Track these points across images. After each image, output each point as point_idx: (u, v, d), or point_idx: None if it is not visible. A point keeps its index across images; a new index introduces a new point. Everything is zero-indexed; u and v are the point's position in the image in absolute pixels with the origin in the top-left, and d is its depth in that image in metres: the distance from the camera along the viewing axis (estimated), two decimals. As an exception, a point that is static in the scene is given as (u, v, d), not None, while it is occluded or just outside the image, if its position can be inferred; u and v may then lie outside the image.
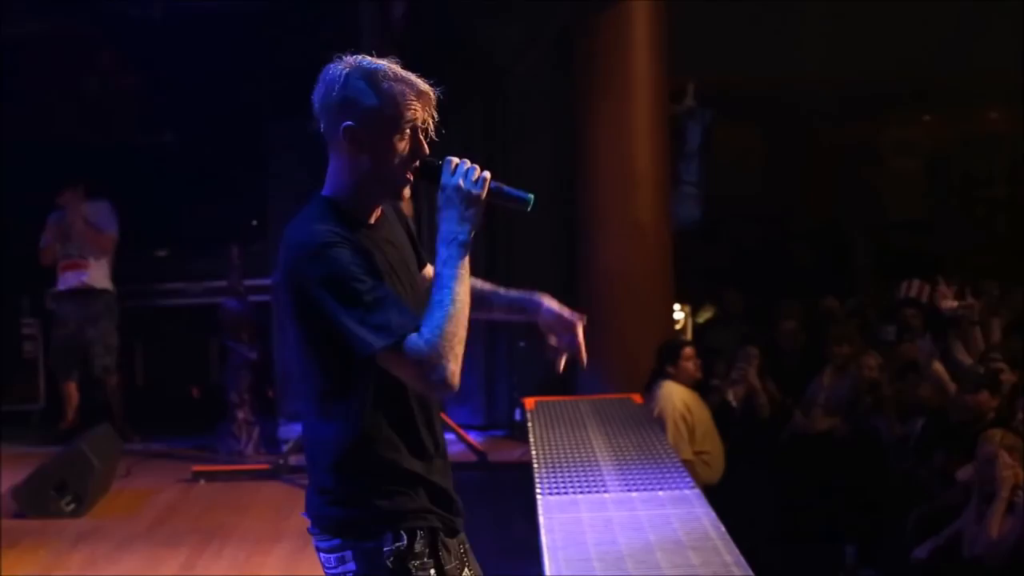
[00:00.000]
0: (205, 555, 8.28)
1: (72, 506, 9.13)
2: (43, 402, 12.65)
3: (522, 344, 11.35)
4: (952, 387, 8.36)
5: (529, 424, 8.07)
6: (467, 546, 3.97)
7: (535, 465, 6.89)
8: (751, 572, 4.82)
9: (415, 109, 3.61)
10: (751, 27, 13.09)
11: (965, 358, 8.85)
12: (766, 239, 15.59)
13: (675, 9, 11.01)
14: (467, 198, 3.59)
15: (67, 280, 11.74)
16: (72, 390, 11.81)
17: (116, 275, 11.82)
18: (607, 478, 6.54)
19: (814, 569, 8.13)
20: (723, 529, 5.43)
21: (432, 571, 3.70)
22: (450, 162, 3.62)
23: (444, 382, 3.45)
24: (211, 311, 11.82)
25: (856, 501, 8.29)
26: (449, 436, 10.61)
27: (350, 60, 3.62)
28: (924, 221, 16.34)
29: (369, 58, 3.63)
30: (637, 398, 9.00)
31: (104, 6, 11.80)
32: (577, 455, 7.10)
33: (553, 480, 6.50)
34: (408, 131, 3.61)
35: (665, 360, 9.41)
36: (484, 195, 3.62)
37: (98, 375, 11.75)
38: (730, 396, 9.82)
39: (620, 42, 10.75)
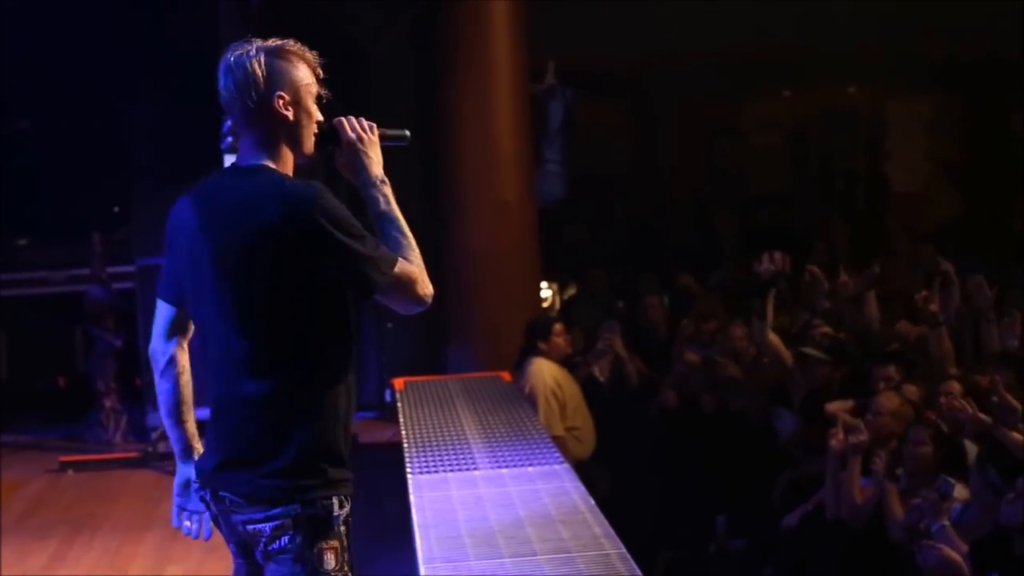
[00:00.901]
0: (76, 545, 8.23)
1: (-65, 501, 9.03)
2: None
3: (390, 325, 11.34)
4: (788, 356, 8.48)
5: (399, 404, 8.10)
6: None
7: (405, 445, 6.93)
8: (621, 545, 4.88)
9: (316, 79, 4.00)
10: (613, 4, 13.14)
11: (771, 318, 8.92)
12: (632, 216, 15.68)
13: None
14: (369, 144, 4.04)
15: None
16: None
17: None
18: (477, 456, 6.59)
19: (686, 540, 8.23)
20: (592, 503, 5.50)
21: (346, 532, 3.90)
22: (343, 121, 4.04)
23: (430, 295, 3.91)
24: (75, 299, 11.68)
25: (724, 472, 8.38)
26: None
27: (255, 43, 3.89)
28: (786, 195, 16.53)
29: (265, 40, 3.92)
30: (506, 376, 9.06)
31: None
32: (447, 434, 7.14)
33: (423, 459, 6.54)
34: (313, 98, 3.99)
35: (536, 336, 9.44)
36: (378, 137, 4.08)
37: None
38: (596, 371, 9.86)
39: (479, 21, 10.76)
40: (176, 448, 4.15)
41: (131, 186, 11.06)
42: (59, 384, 12.48)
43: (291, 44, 3.92)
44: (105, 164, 11.82)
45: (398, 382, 8.84)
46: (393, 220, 3.95)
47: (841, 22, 13.59)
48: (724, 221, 16.42)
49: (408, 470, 6.37)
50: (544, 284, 11.26)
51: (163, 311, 4.11)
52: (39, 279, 12.38)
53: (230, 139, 9.56)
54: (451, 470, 6.32)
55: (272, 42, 3.90)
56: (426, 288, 3.88)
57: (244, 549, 3.93)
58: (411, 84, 11.35)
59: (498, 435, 7.06)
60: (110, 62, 11.49)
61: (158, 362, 4.10)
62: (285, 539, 3.76)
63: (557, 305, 11.78)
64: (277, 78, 3.87)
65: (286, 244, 3.70)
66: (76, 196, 12.40)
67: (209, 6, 10.31)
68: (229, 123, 9.04)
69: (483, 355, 10.42)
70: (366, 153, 4.03)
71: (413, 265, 3.86)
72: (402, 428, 7.38)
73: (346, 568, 3.84)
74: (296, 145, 3.96)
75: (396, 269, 3.81)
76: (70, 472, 10.06)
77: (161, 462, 9.98)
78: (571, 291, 10.80)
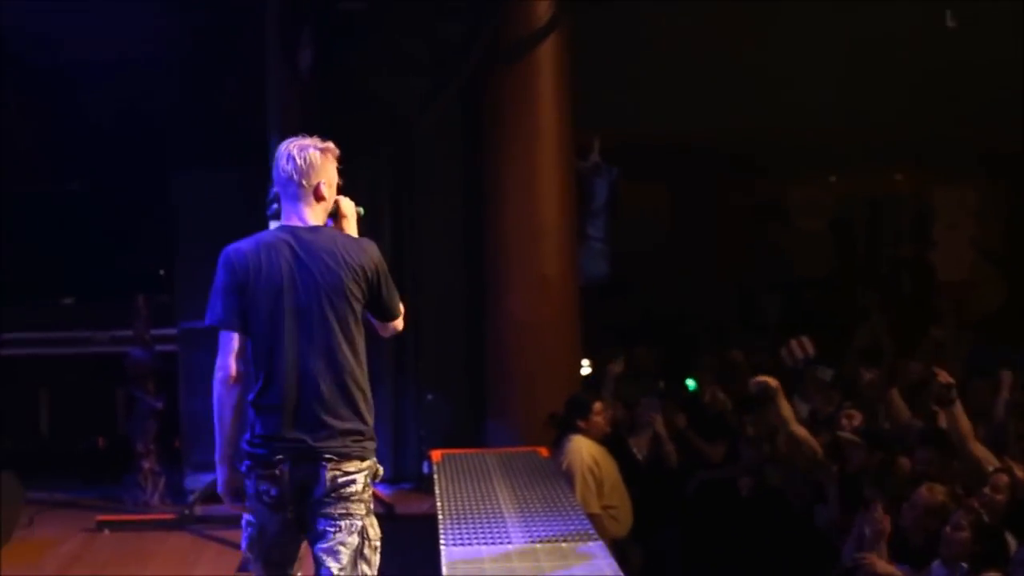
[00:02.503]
0: (109, 605, 8.23)
1: (-28, 556, 9.04)
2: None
3: (429, 397, 11.35)
4: (815, 445, 8.43)
5: (435, 476, 8.10)
6: None
7: (440, 516, 6.94)
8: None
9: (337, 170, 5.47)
10: (656, 84, 13.17)
11: (802, 409, 8.90)
12: (673, 295, 15.64)
13: (580, 64, 11.12)
14: (353, 216, 5.53)
15: None
16: None
17: (21, 322, 11.72)
18: (511, 530, 6.60)
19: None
20: (626, 581, 5.48)
21: None
22: (339, 200, 5.50)
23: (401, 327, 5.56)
24: (117, 360, 11.72)
25: (766, 556, 8.31)
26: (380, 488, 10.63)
27: (309, 141, 5.39)
28: (830, 280, 16.49)
29: (312, 137, 5.42)
30: (543, 451, 9.06)
31: (9, 50, 11.71)
32: (482, 507, 7.15)
33: (458, 531, 6.55)
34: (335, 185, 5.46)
35: (575, 414, 9.45)
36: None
37: None
38: (634, 449, 9.86)
39: (525, 95, 10.86)
40: (230, 451, 5.27)
41: (176, 250, 11.12)
42: (99, 444, 12.48)
43: (331, 145, 5.40)
44: (152, 227, 11.90)
45: (435, 454, 8.84)
46: None
47: (889, 109, 13.59)
48: (767, 302, 16.38)
49: (442, 542, 6.37)
50: (585, 361, 11.23)
51: (233, 338, 5.24)
52: (83, 339, 12.42)
53: (275, 206, 9.60)
54: (485, 543, 6.33)
55: (320, 142, 5.37)
56: (401, 322, 5.53)
57: (298, 496, 5.17)
58: (456, 155, 11.42)
59: (533, 510, 7.07)
60: (160, 127, 11.60)
61: (229, 377, 5.22)
62: (361, 484, 5.21)
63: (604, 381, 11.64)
64: (321, 170, 5.34)
65: (365, 278, 5.26)
66: (122, 257, 12.47)
67: (257, 72, 10.39)
68: (274, 190, 9.15)
69: (521, 429, 10.42)
70: (350, 222, 5.51)
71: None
72: (437, 500, 7.39)
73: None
74: (324, 215, 5.40)
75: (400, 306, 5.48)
76: (106, 532, 10.06)
77: (197, 525, 9.99)
78: (618, 368, 10.76)
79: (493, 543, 6.34)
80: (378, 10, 11.22)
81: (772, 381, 8.66)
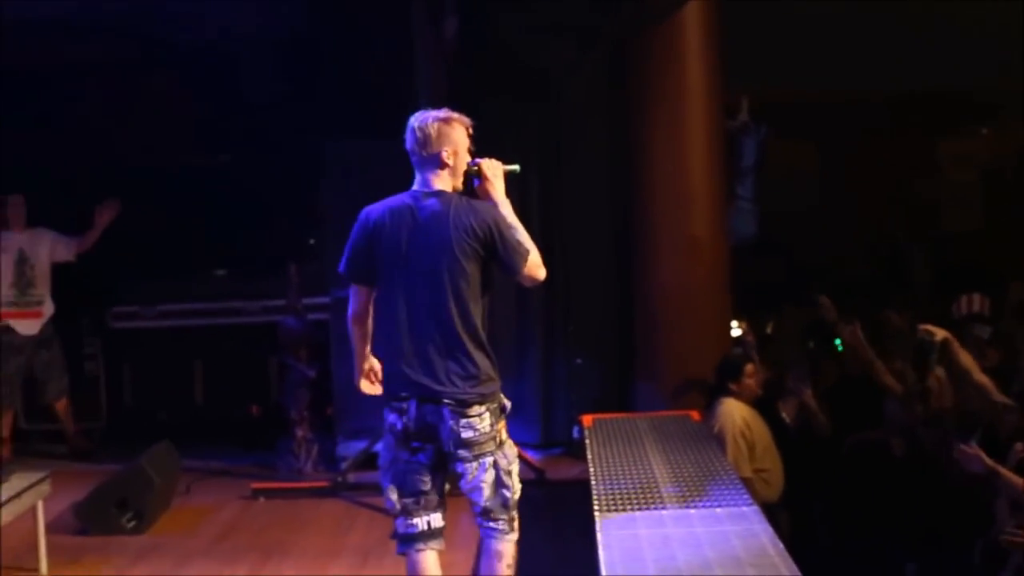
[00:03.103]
0: (265, 572, 8.33)
1: (133, 523, 9.20)
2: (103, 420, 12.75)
3: (579, 361, 11.33)
4: (999, 396, 8.20)
5: (587, 441, 8.11)
6: None
7: (592, 482, 6.94)
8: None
9: (465, 138, 6.04)
10: (804, 41, 13.01)
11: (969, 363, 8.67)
12: (822, 254, 15.48)
13: (728, 23, 11.00)
14: (495, 177, 6.08)
15: (22, 327, 11.65)
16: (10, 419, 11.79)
17: (179, 294, 11.91)
18: (665, 495, 6.59)
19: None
20: (782, 547, 5.45)
21: None
22: (479, 162, 6.08)
23: (543, 276, 6.05)
24: (270, 330, 11.86)
25: (918, 520, 8.20)
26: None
27: (429, 113, 6.01)
28: (981, 233, 16.21)
29: (441, 110, 6.06)
30: (695, 415, 9.03)
31: (156, 31, 11.87)
32: (635, 472, 7.14)
33: (611, 497, 6.55)
34: (465, 149, 6.05)
35: (727, 377, 9.42)
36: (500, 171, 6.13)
37: (51, 399, 11.83)
38: (783, 414, 9.78)
39: (674, 55, 10.71)
40: (361, 363, 6.29)
41: (326, 220, 11.19)
42: (253, 412, 12.64)
43: (452, 114, 6.00)
44: (301, 197, 11.99)
45: (586, 419, 8.85)
46: (512, 226, 5.98)
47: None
48: (916, 257, 16.15)
49: (595, 507, 6.38)
50: (734, 323, 11.14)
51: (355, 288, 6.18)
52: (236, 309, 12.59)
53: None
54: (638, 508, 6.32)
55: (443, 112, 6.00)
56: (540, 271, 6.02)
57: (425, 435, 5.91)
58: (604, 118, 11.35)
59: (686, 475, 7.04)
60: (309, 99, 11.68)
61: (351, 317, 6.21)
62: (487, 423, 5.88)
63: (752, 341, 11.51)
64: (441, 139, 5.93)
65: (476, 237, 5.83)
66: (272, 228, 12.62)
67: (404, 45, 10.41)
68: None
69: (671, 393, 10.37)
70: (495, 183, 6.07)
71: (532, 256, 5.96)
72: (589, 465, 7.39)
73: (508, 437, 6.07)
74: (453, 179, 6.00)
75: (530, 257, 5.94)
76: (261, 499, 10.19)
77: (350, 492, 10.08)
78: (768, 329, 10.64)
79: (647, 508, 6.33)
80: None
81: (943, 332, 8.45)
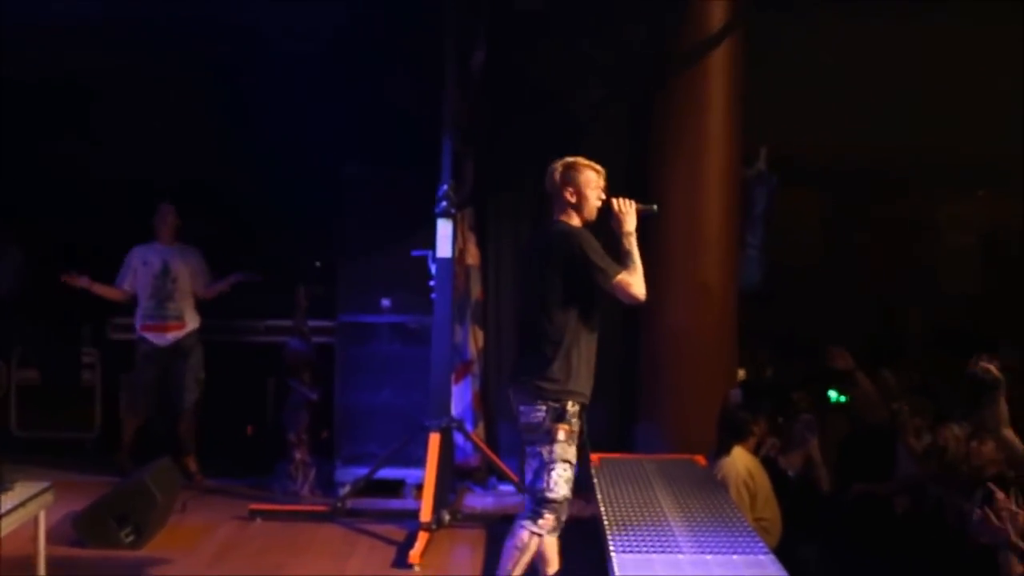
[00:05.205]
0: (268, 594, 8.33)
1: (132, 538, 9.16)
2: (98, 431, 12.71)
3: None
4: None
5: (595, 480, 8.12)
6: (585, 428, 6.97)
7: (605, 522, 6.97)
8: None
9: (593, 180, 7.19)
10: (816, 96, 13.06)
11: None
12: (818, 309, 15.51)
13: (750, 76, 11.05)
14: (626, 214, 7.11)
15: (159, 338, 11.68)
16: (135, 426, 11.80)
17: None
18: (680, 539, 6.60)
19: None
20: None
21: (576, 425, 6.84)
22: (614, 200, 7.11)
23: (642, 295, 6.97)
24: (270, 350, 11.85)
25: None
26: (510, 488, 10.65)
27: (559, 162, 7.16)
28: (977, 296, 16.28)
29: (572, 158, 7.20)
30: (700, 459, 9.03)
31: (179, 46, 11.86)
32: (647, 514, 7.16)
33: (625, 538, 6.56)
34: (592, 187, 7.16)
35: (732, 436, 9.41)
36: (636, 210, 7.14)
37: (186, 408, 11.76)
38: (784, 465, 9.77)
39: (696, 104, 10.78)
40: None
41: (340, 245, 11.18)
42: (246, 432, 12.61)
43: (572, 162, 7.16)
44: (311, 220, 11.99)
45: (593, 457, 8.86)
46: (629, 253, 6.98)
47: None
48: (913, 318, 16.21)
49: (611, 548, 6.39)
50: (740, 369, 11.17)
51: None
52: (237, 327, 12.58)
53: (444, 204, 9.74)
54: (655, 551, 6.33)
55: (567, 160, 7.16)
56: (639, 290, 6.95)
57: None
58: (623, 162, 11.37)
59: (699, 520, 7.06)
60: (327, 121, 11.67)
61: None
62: (540, 418, 6.76)
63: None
64: (560, 182, 7.09)
65: (563, 259, 6.86)
66: (281, 248, 12.60)
67: (428, 72, 10.42)
68: (444, 188, 9.93)
69: (675, 435, 10.38)
70: (624, 219, 7.08)
71: (632, 276, 6.91)
72: (600, 504, 7.41)
73: (573, 446, 6.83)
74: (579, 214, 7.10)
75: (617, 276, 6.84)
76: (258, 520, 10.16)
77: (349, 518, 10.06)
78: (767, 375, 10.67)
79: (663, 551, 6.34)
80: (553, 11, 11.20)
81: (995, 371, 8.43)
